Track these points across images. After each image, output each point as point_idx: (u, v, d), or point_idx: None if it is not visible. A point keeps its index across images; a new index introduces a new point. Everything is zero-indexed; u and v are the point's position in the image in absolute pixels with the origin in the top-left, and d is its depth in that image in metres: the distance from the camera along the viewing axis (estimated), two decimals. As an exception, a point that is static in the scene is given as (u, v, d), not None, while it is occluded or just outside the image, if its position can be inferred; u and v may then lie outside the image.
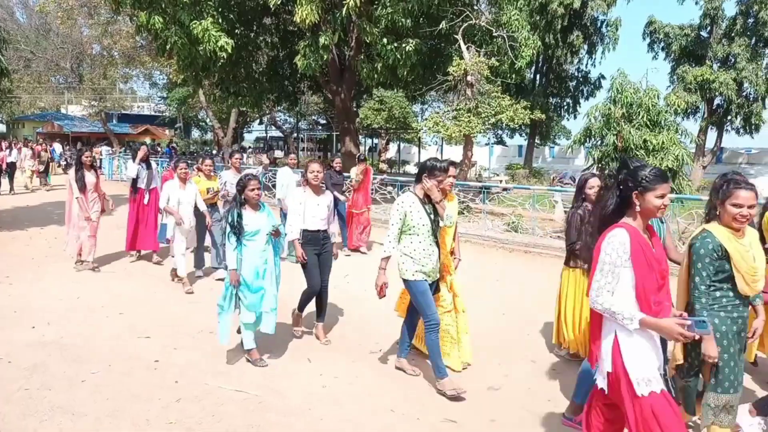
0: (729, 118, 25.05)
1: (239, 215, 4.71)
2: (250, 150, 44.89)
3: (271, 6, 15.06)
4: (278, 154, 43.38)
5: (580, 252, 4.57)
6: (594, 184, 4.70)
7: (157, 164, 15.77)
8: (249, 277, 4.75)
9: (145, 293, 7.01)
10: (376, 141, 39.55)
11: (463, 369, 4.80)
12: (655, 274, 2.64)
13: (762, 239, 3.86)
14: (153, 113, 51.31)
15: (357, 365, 4.88)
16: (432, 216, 4.36)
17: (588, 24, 26.03)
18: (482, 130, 16.98)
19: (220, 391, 4.28)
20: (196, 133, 53.41)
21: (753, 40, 23.59)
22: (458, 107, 16.05)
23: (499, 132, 39.92)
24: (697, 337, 2.61)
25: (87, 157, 8.05)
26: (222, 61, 15.61)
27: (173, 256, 7.47)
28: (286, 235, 5.30)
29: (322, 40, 14.61)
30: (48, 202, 15.81)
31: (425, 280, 4.36)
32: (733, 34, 23.84)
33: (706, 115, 24.93)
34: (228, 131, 34.57)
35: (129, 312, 6.18)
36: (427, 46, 17.33)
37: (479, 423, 3.94)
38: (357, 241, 9.89)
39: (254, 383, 4.44)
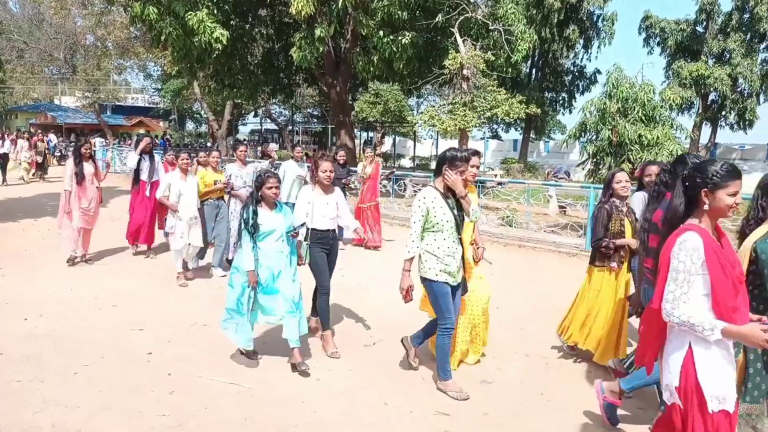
0: (723, 113, 25.20)
1: (255, 213, 4.50)
2: (245, 142, 44.79)
3: (267, -3, 15.01)
4: (273, 146, 43.31)
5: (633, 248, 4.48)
6: (621, 178, 4.61)
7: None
8: (263, 280, 4.53)
9: (139, 286, 6.99)
10: (371, 134, 39.48)
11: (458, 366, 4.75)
12: (731, 279, 2.43)
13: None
14: (147, 105, 51.04)
15: (351, 358, 4.88)
16: (455, 211, 4.11)
17: (584, 18, 26.03)
18: (478, 124, 16.98)
19: (213, 384, 4.28)
20: (190, 125, 53.16)
21: (748, 36, 23.70)
22: (454, 101, 16.05)
23: (495, 126, 39.90)
24: None
25: (86, 148, 7.85)
26: (217, 52, 15.54)
27: (176, 250, 7.18)
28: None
29: (317, 32, 14.56)
30: (42, 193, 15.73)
31: (447, 282, 4.13)
32: (728, 30, 23.94)
33: (700, 111, 25.05)
34: (223, 123, 34.42)
35: (122, 305, 6.16)
36: (423, 39, 17.31)
37: (472, 416, 3.95)
38: (372, 241, 9.60)
39: (248, 376, 4.44)
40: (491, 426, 3.82)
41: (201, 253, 7.82)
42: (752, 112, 24.50)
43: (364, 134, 39.05)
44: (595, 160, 12.60)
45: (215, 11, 15.28)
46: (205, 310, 6.03)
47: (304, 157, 10.64)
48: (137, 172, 8.55)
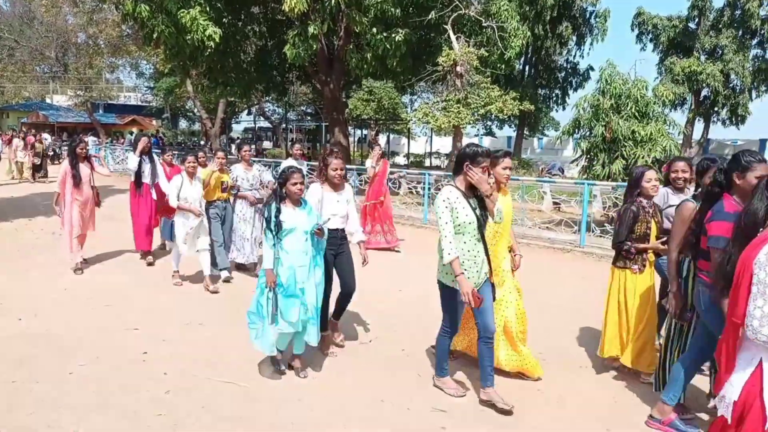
0: (716, 109, 25.33)
1: (278, 211, 4.30)
2: (239, 141, 44.66)
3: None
4: (266, 145, 43.25)
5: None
6: (652, 176, 4.39)
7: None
8: (284, 280, 4.29)
9: (133, 285, 6.96)
10: (365, 132, 39.46)
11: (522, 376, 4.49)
12: None
13: None
14: (140, 103, 50.87)
15: (348, 356, 4.88)
16: (478, 211, 3.86)
17: (577, 15, 26.09)
18: (471, 121, 16.99)
19: (208, 383, 4.27)
20: (183, 124, 53.00)
21: (740, 32, 23.81)
22: (447, 98, 16.05)
23: (489, 123, 39.99)
24: None
25: (81, 148, 7.52)
26: (210, 50, 15.44)
27: (180, 253, 6.92)
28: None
29: (310, 29, 14.51)
30: (35, 192, 15.63)
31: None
32: (720, 26, 24.05)
33: (693, 107, 25.17)
34: (216, 122, 34.32)
35: (116, 304, 6.13)
36: (417, 36, 17.30)
37: (469, 412, 3.96)
38: (387, 242, 9.41)
39: (243, 374, 4.43)
40: (488, 421, 3.83)
41: (215, 262, 7.39)
42: (744, 107, 24.64)
43: (358, 132, 39.03)
44: (588, 156, 12.63)
45: (207, 9, 15.18)
46: (199, 309, 6.01)
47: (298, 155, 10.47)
48: (138, 174, 8.11)
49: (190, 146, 35.55)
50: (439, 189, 14.13)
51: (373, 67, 16.60)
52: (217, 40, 14.76)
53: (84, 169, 7.48)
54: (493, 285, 4.05)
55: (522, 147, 30.99)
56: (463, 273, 3.72)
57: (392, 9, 14.58)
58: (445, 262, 3.74)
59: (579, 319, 5.94)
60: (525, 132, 31.28)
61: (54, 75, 37.83)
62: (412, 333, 5.47)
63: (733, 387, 2.45)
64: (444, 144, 33.91)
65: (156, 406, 3.89)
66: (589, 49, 32.42)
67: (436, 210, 3.84)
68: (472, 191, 3.88)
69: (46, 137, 26.58)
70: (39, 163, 19.96)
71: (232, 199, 7.51)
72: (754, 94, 24.83)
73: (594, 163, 12.35)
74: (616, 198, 10.71)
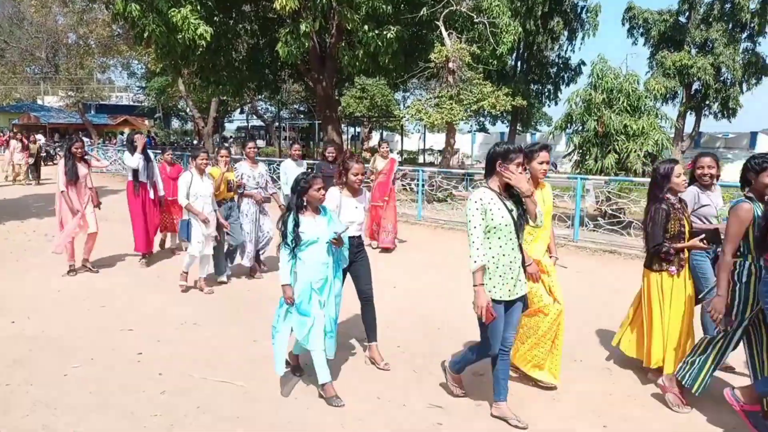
0: (707, 102, 25.40)
1: (296, 222, 3.97)
2: (232, 140, 44.57)
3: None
4: (260, 143, 43.13)
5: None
6: (680, 171, 4.15)
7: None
8: (297, 295, 4.02)
9: (127, 286, 6.94)
10: (358, 129, 39.42)
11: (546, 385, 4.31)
12: None
13: None
14: (132, 103, 50.66)
15: (345, 354, 4.89)
16: (514, 213, 3.54)
17: (568, 10, 26.07)
18: (464, 117, 17.01)
19: (205, 383, 4.27)
20: (176, 123, 52.83)
21: (730, 25, 23.88)
22: (440, 94, 16.06)
23: (482, 119, 39.99)
24: None
25: (77, 147, 7.37)
26: (201, 49, 15.38)
27: (191, 255, 6.75)
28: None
29: (302, 27, 14.48)
30: (28, 194, 15.54)
31: (501, 299, 3.56)
32: (710, 20, 24.11)
33: (684, 100, 25.24)
34: (209, 121, 34.17)
35: (111, 305, 6.12)
36: (409, 32, 17.27)
37: (465, 408, 3.98)
38: (384, 242, 9.24)
39: (240, 374, 4.43)
40: (484, 417, 3.85)
41: (232, 258, 7.38)
42: (735, 100, 24.73)
43: (352, 129, 38.99)
44: (581, 151, 12.68)
45: (198, 7, 15.10)
46: (195, 310, 6.01)
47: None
48: (135, 172, 7.90)
49: (183, 146, 35.48)
50: (433, 185, 14.26)
51: (365, 65, 16.58)
52: (209, 38, 14.70)
53: (81, 168, 7.36)
54: (525, 297, 3.77)
55: (515, 143, 30.99)
56: (483, 285, 3.46)
57: (383, 6, 14.56)
58: (471, 269, 3.46)
59: (573, 313, 5.95)
60: (518, 127, 31.28)
61: (45, 76, 37.53)
62: (407, 329, 5.48)
63: None
64: (437, 140, 33.87)
65: (155, 407, 3.89)
66: (581, 44, 32.38)
67: (466, 213, 3.54)
68: (508, 192, 3.58)
69: (40, 138, 26.43)
70: (33, 164, 19.89)
71: (237, 198, 7.30)
72: (744, 87, 24.93)
73: (586, 157, 12.40)
74: (609, 192, 10.75)
